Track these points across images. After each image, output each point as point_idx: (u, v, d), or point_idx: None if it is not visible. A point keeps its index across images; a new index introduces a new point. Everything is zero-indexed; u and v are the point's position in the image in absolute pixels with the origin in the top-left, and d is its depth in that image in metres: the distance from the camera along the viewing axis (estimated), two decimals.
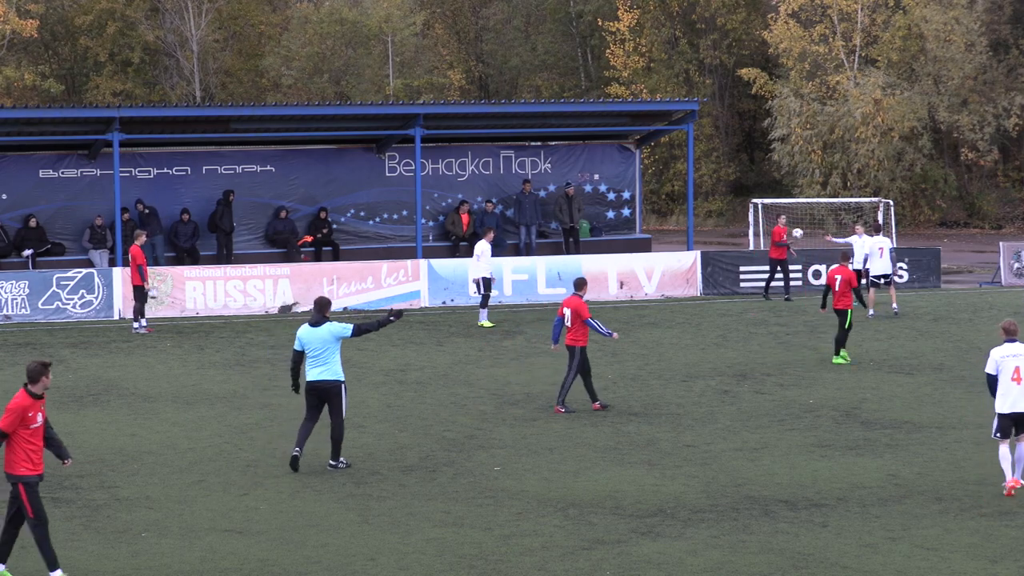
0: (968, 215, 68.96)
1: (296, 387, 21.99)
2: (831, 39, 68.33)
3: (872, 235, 40.17)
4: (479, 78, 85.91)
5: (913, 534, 18.21)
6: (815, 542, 17.85)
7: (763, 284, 43.37)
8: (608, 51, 76.16)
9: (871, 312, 38.21)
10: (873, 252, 39.06)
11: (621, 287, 42.84)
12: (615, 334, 26.96)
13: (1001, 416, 19.97)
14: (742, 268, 44.68)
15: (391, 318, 21.86)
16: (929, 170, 67.26)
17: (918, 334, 35.74)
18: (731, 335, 35.80)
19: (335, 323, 21.72)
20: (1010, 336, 20.30)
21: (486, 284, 37.76)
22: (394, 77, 76.94)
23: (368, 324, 21.95)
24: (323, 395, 21.58)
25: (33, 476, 16.12)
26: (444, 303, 41.46)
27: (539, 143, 46.93)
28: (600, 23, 76.70)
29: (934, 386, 28.72)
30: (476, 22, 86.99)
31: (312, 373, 21.63)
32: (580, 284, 27.05)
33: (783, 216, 44.91)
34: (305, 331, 21.76)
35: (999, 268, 47.41)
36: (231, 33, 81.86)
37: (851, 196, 62.59)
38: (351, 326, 21.67)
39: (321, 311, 21.76)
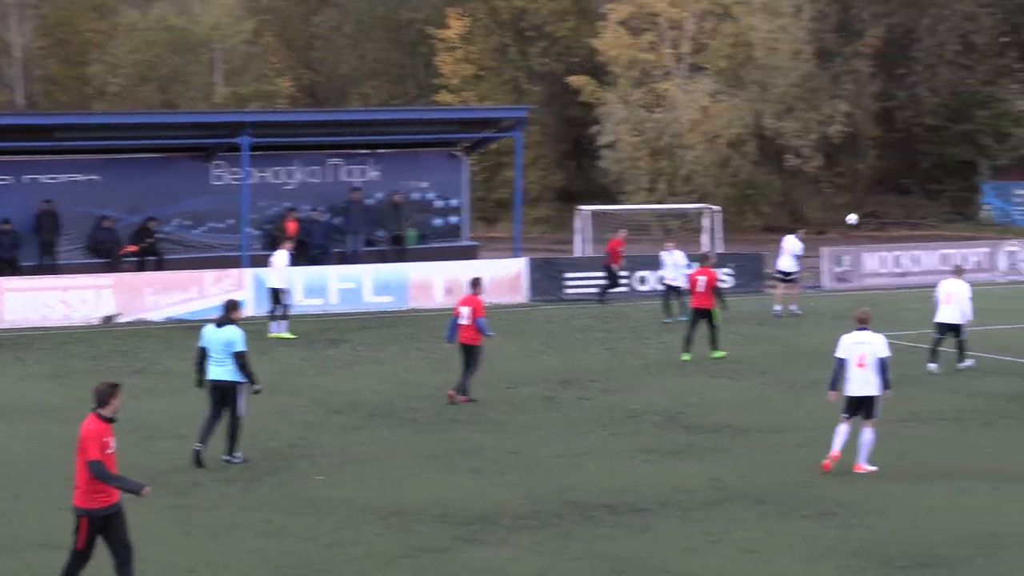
0: (792, 221, 69.83)
1: (199, 383, 22.68)
2: (660, 47, 68.95)
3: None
4: (308, 86, 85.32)
5: (734, 537, 18.38)
6: (636, 546, 17.95)
7: (595, 290, 43.72)
8: (438, 59, 76.09)
9: (777, 309, 40.14)
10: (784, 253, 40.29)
11: (448, 294, 42.79)
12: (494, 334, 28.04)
13: (847, 398, 21.60)
14: (568, 275, 44.89)
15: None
16: (754, 176, 68.14)
17: (742, 339, 36.13)
18: (556, 342, 35.93)
19: (236, 331, 22.29)
20: (861, 324, 21.75)
21: (276, 295, 37.24)
22: (222, 85, 76.17)
23: (248, 373, 22.35)
24: (222, 393, 22.38)
25: (102, 509, 15.35)
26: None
27: (368, 151, 46.74)
28: (430, 31, 76.62)
29: (758, 390, 29.06)
30: (306, 29, 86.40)
31: (213, 372, 22.40)
32: (476, 283, 27.93)
33: (623, 230, 45.46)
34: (209, 330, 22.50)
35: (821, 272, 48.18)
36: (56, 40, 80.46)
37: (678, 202, 63.14)
38: (243, 350, 22.21)
39: (227, 312, 22.54)
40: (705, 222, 52.74)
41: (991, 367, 31.68)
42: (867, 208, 72.50)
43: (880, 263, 48.78)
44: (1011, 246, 51.11)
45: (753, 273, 46.90)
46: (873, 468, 21.69)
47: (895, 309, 40.72)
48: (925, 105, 70.23)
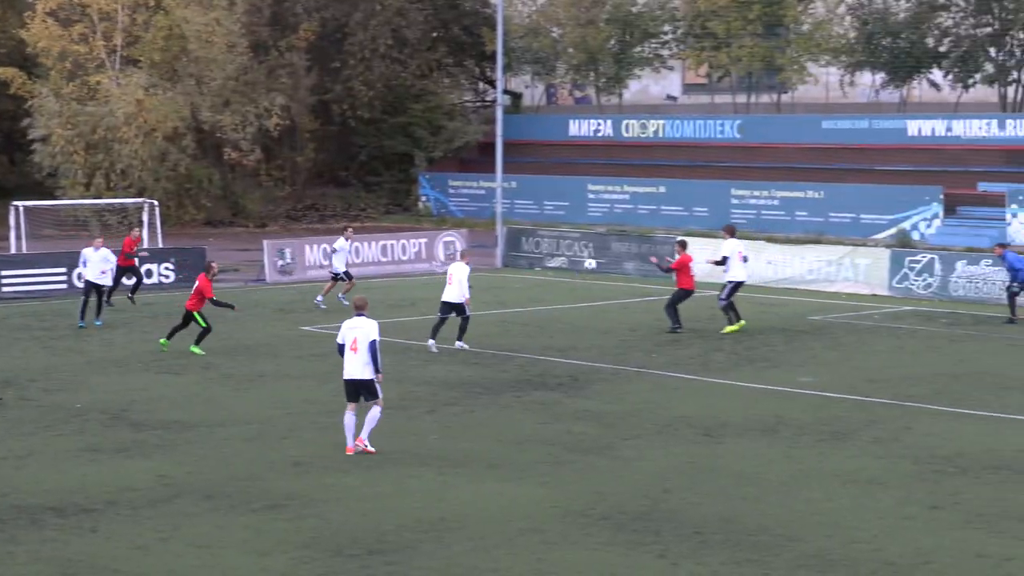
0: (233, 214, 69.84)
1: None
2: (91, 39, 67.37)
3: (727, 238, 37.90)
4: None
5: (184, 533, 18.11)
6: (85, 548, 17.43)
7: (24, 288, 42.43)
8: None
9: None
10: (733, 256, 36.96)
11: None
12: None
13: (345, 382, 22.59)
14: (4, 272, 43.27)
15: None
16: (194, 170, 67.54)
17: (186, 333, 35.75)
18: None
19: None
20: (358, 311, 22.87)
21: None
22: None
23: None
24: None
25: None
26: None
27: None
28: None
29: (202, 385, 28.81)
30: None
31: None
32: None
33: (136, 229, 44.53)
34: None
35: (264, 266, 48.24)
36: None
37: (116, 197, 61.92)
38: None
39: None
40: (144, 216, 51.93)
41: (433, 355, 32.48)
42: (307, 201, 73.21)
43: (322, 255, 49.20)
44: (448, 236, 52.58)
45: (195, 267, 46.37)
46: (372, 449, 22.42)
47: (334, 300, 41.14)
48: (360, 98, 71.40)
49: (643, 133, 67.44)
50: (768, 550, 17.44)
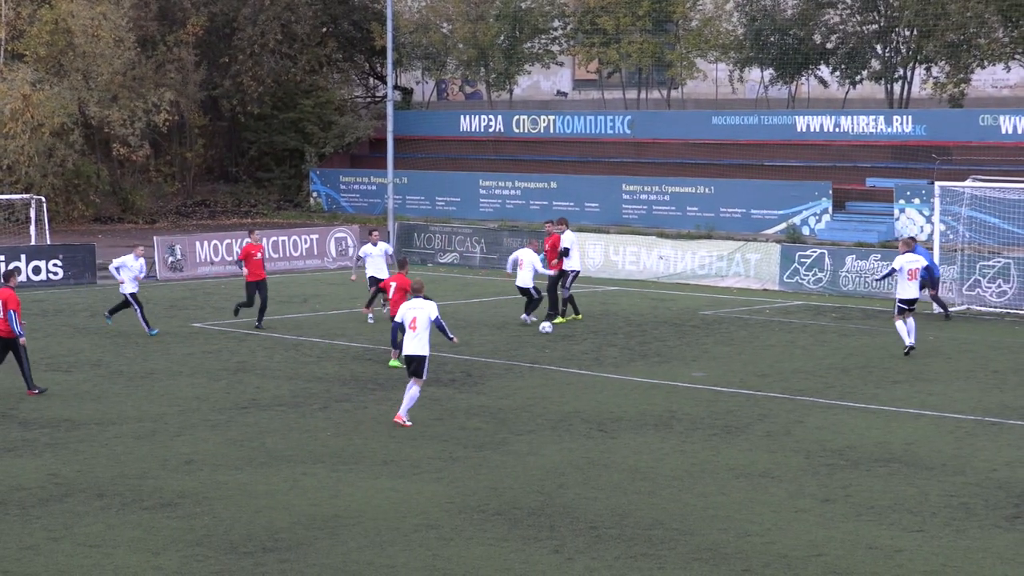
0: (122, 210, 69.08)
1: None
2: None
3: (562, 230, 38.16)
4: None
5: (75, 532, 17.91)
6: None
7: None
8: None
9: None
10: (573, 247, 37.21)
11: None
12: None
13: (404, 357, 24.59)
14: None
15: None
16: (82, 166, 66.73)
17: (75, 331, 35.40)
18: None
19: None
20: (416, 293, 24.54)
21: None
22: None
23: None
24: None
25: None
26: None
27: None
28: None
29: (93, 382, 28.50)
30: None
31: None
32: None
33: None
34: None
35: (154, 262, 47.80)
36: None
37: (2, 193, 61.05)
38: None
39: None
40: (32, 213, 51.26)
41: (325, 352, 32.36)
42: (197, 197, 72.63)
43: (213, 252, 48.87)
44: (340, 232, 52.38)
45: (85, 264, 45.99)
46: (409, 423, 24.18)
47: (228, 297, 40.86)
48: (250, 94, 70.89)
49: (534, 129, 67.55)
50: (662, 544, 17.53)
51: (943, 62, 58.44)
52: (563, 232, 37.48)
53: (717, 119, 61.51)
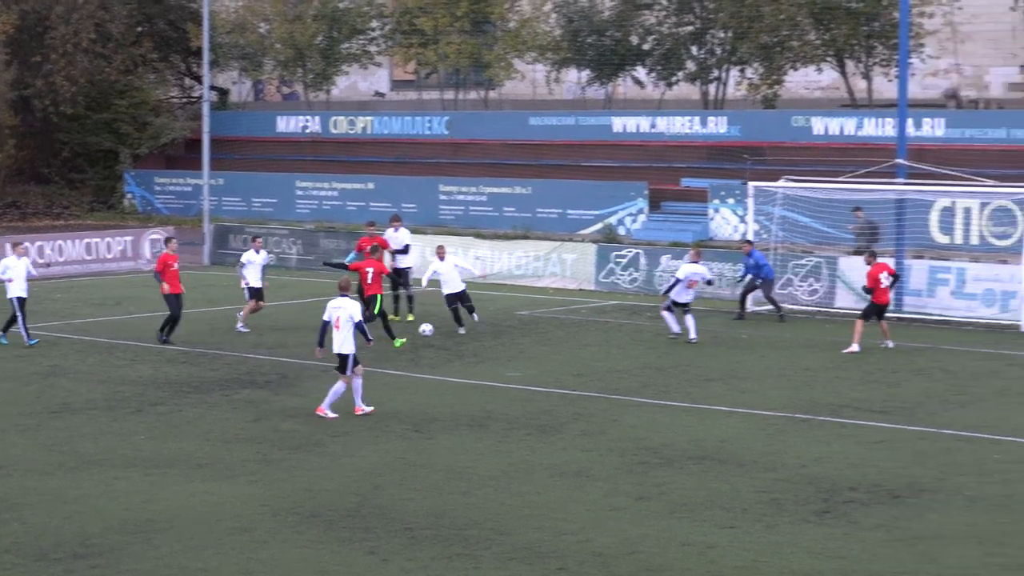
0: None
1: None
2: None
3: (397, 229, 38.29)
4: None
5: None
6: None
7: None
8: None
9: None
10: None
11: None
12: None
13: (336, 355, 25.03)
14: None
15: None
16: None
17: None
18: None
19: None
20: (342, 291, 25.34)
21: None
22: None
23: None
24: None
25: None
26: None
27: None
28: None
29: None
30: None
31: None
32: None
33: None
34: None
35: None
36: None
37: None
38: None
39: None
40: None
41: (139, 355, 31.94)
42: (8, 199, 71.18)
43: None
44: (154, 234, 51.66)
45: None
46: (371, 409, 25.32)
47: (41, 300, 40.09)
48: (63, 94, 69.64)
49: (351, 129, 67.33)
50: (478, 544, 17.55)
51: (757, 64, 59.37)
52: (398, 230, 37.57)
53: (534, 120, 61.85)
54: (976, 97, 59.23)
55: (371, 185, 62.00)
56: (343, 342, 24.97)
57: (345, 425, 24.45)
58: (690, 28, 61.95)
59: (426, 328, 34.68)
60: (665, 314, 34.64)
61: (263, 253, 36.75)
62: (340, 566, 16.76)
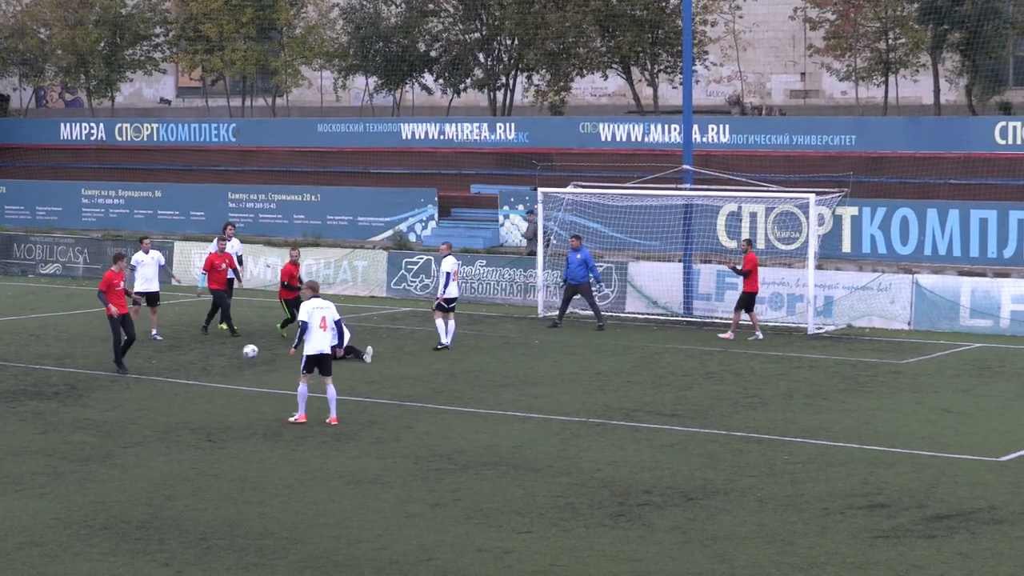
0: None
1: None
2: None
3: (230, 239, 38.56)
4: None
5: None
6: None
7: None
8: None
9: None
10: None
11: None
12: None
13: (309, 356, 25.05)
14: None
15: None
16: None
17: None
18: None
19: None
20: (315, 293, 25.48)
21: None
22: None
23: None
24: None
25: None
26: None
27: None
28: None
29: None
30: None
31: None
32: None
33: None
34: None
35: None
36: None
37: None
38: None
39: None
40: None
41: None
42: None
43: None
44: None
45: None
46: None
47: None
48: None
49: (137, 137, 66.28)
50: (274, 553, 17.42)
51: (544, 71, 59.80)
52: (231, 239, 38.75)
53: (322, 127, 61.51)
54: (759, 104, 60.42)
55: (159, 193, 61.09)
56: (326, 341, 25.22)
57: (136, 436, 24.09)
58: (477, 35, 62.18)
59: (249, 350, 32.48)
60: (439, 322, 34.25)
61: (153, 253, 36.50)
62: None
